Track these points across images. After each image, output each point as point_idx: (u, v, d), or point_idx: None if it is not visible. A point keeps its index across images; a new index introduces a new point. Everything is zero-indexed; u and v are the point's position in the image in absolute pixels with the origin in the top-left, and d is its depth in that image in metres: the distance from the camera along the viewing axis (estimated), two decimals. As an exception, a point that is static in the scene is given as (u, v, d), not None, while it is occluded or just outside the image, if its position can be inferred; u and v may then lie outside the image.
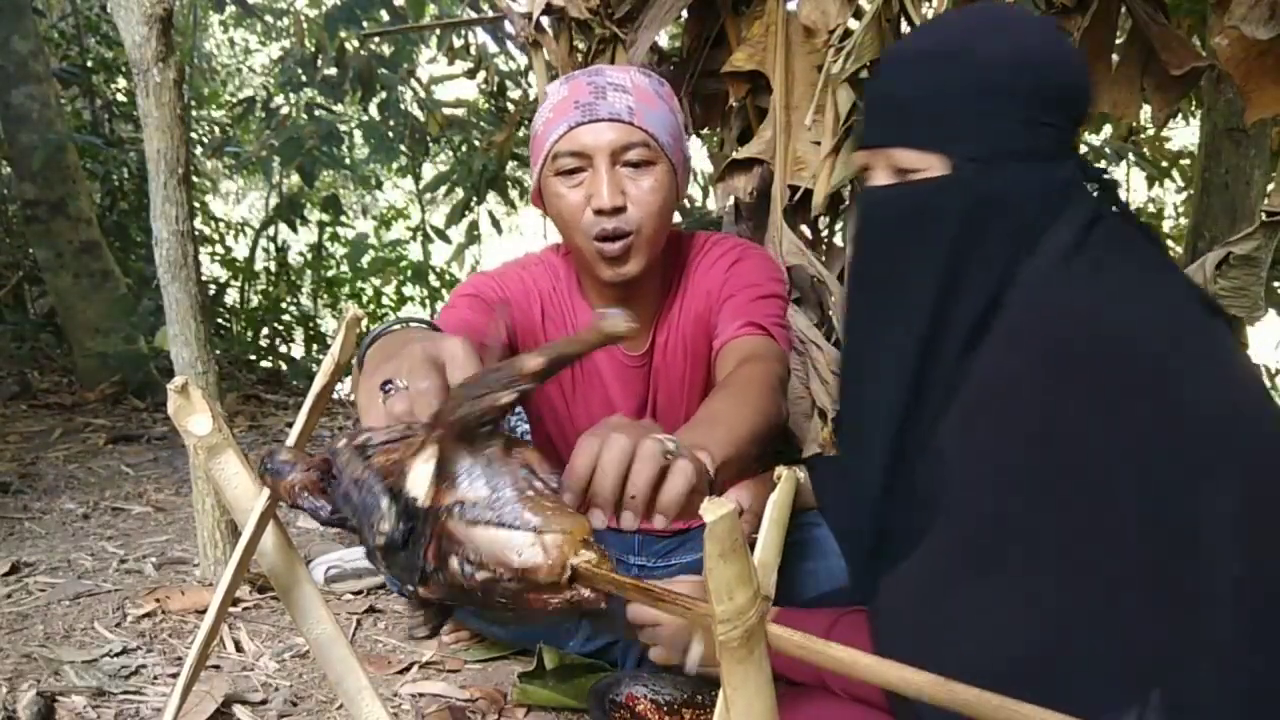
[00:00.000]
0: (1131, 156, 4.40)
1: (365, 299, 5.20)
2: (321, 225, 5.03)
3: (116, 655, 1.35)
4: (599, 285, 1.27)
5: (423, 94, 4.42)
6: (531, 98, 3.89)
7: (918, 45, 0.92)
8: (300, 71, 4.07)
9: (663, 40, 2.16)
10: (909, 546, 0.83)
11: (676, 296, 1.33)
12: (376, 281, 5.18)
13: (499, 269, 1.38)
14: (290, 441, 0.78)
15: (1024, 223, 0.85)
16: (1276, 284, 3.18)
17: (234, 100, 5.13)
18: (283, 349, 4.88)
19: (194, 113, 5.15)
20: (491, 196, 3.92)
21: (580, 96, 1.18)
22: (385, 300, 5.19)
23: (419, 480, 0.59)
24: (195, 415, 0.72)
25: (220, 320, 4.62)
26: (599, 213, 1.17)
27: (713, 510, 0.46)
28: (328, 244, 5.21)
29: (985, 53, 0.85)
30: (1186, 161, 4.64)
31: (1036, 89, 0.84)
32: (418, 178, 4.92)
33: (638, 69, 1.24)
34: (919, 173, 0.88)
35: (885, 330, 0.92)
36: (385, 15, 3.83)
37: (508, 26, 2.73)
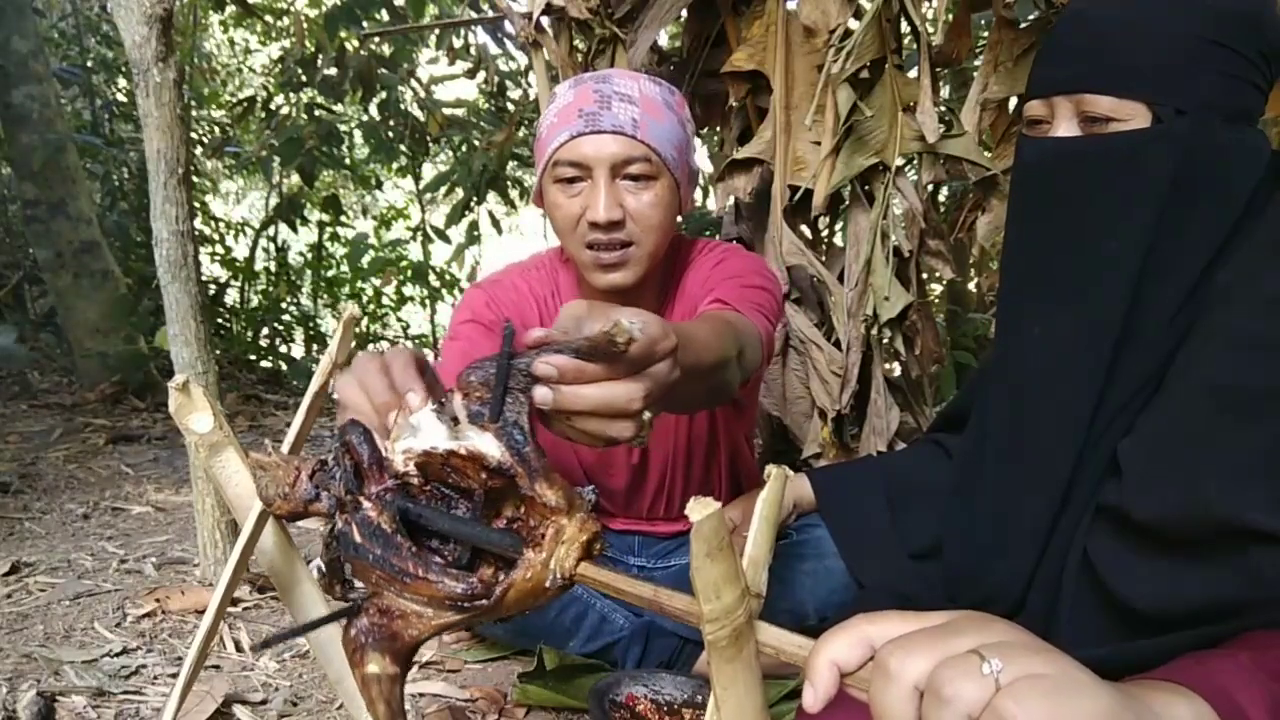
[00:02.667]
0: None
1: (365, 299, 5.20)
2: (321, 225, 5.03)
3: (116, 655, 1.35)
4: (596, 292, 1.27)
5: (423, 94, 4.41)
6: (531, 98, 3.90)
7: None
8: (300, 71, 4.07)
9: (663, 40, 2.16)
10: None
11: (671, 304, 1.32)
12: (376, 281, 5.18)
13: (496, 275, 1.38)
14: (288, 441, 0.78)
15: (1235, 186, 0.79)
16: None
17: (234, 100, 5.13)
18: (283, 349, 4.88)
19: (194, 113, 5.15)
20: (491, 196, 3.92)
21: (585, 104, 1.16)
22: (385, 300, 5.19)
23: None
24: (196, 413, 0.72)
25: (220, 320, 4.62)
26: (594, 225, 1.16)
27: (699, 510, 0.45)
28: (328, 244, 5.21)
29: None
30: None
31: (1254, 44, 0.78)
32: (418, 178, 4.91)
33: (648, 76, 1.22)
34: (1116, 122, 0.80)
35: (1074, 291, 0.85)
36: (385, 15, 3.83)
37: (508, 26, 2.73)
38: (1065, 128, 0.83)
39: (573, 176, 1.17)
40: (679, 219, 1.27)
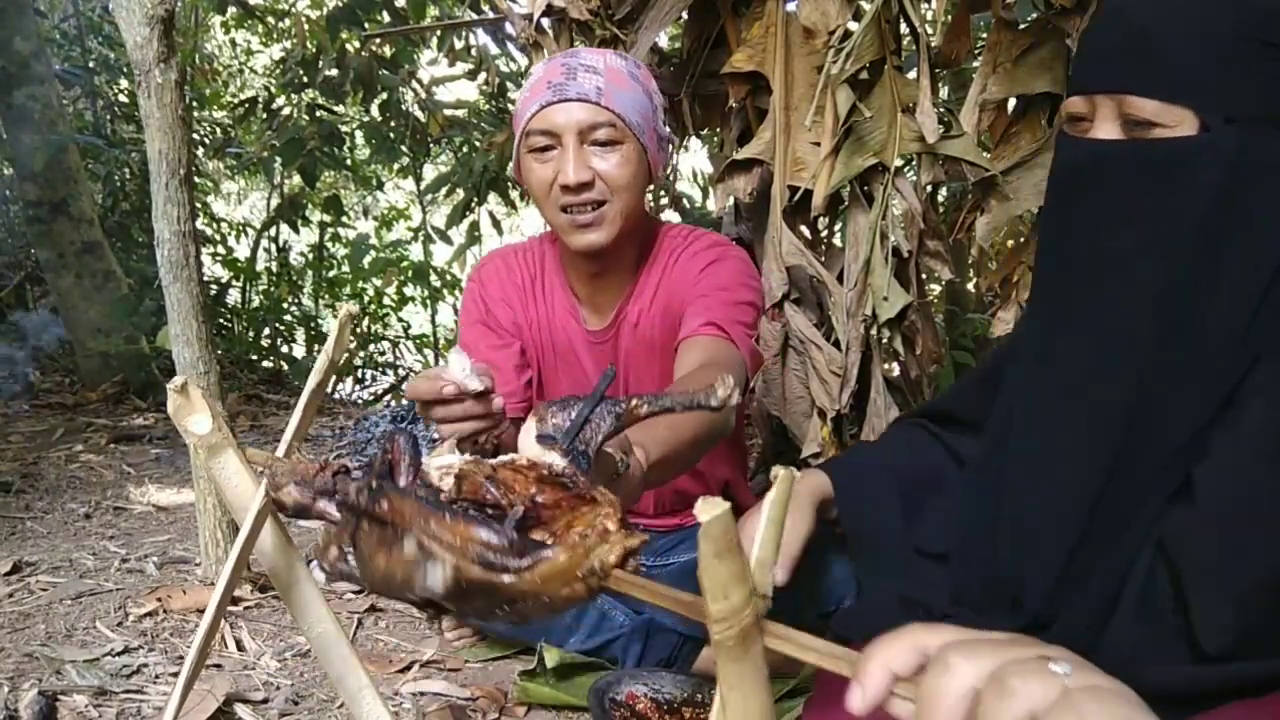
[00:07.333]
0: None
1: (366, 299, 5.20)
2: (323, 226, 5.03)
3: (118, 654, 1.36)
4: (574, 258, 1.33)
5: (424, 95, 4.42)
6: (532, 98, 3.88)
7: None
8: (302, 72, 4.08)
9: (663, 41, 2.17)
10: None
11: (648, 281, 1.36)
12: (377, 282, 5.18)
13: (487, 259, 1.46)
14: (285, 438, 0.78)
15: None
16: None
17: (235, 101, 5.13)
18: (284, 349, 4.89)
19: (195, 113, 5.14)
20: (492, 197, 3.92)
21: (553, 77, 1.23)
22: (386, 300, 5.19)
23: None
24: (195, 414, 0.72)
25: (222, 320, 4.63)
26: (565, 189, 1.22)
27: (707, 510, 0.45)
28: (329, 244, 5.21)
29: None
30: None
31: None
32: (419, 178, 4.92)
33: (615, 52, 1.29)
34: (1160, 128, 0.75)
35: (1104, 302, 0.80)
36: (386, 16, 3.84)
37: (508, 28, 2.73)
38: (1107, 129, 0.78)
39: (544, 145, 1.23)
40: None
